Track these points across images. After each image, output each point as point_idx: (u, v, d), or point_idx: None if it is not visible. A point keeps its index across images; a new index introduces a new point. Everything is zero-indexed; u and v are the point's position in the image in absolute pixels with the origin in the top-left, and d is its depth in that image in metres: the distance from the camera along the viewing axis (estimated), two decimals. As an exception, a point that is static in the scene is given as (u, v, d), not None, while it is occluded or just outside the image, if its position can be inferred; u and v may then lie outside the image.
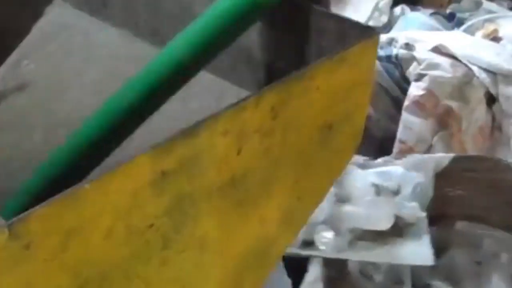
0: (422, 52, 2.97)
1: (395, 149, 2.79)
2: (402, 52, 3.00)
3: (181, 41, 1.21)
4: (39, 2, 1.65)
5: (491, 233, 2.32)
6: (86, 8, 1.62)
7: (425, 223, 2.23)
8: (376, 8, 3.75)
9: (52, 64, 1.60)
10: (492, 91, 2.92)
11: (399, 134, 2.84)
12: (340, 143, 1.19)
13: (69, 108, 1.53)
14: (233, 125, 0.97)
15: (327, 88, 1.09)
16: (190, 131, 0.92)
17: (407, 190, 2.23)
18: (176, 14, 1.48)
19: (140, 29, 1.54)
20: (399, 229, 2.16)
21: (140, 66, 1.52)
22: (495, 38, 3.27)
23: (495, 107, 2.95)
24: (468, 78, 2.90)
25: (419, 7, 3.82)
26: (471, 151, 2.88)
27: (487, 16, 3.49)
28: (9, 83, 1.59)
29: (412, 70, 2.94)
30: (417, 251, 2.13)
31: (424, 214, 2.25)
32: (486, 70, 2.93)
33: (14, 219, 0.76)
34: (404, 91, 2.92)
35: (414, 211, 2.22)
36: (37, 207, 0.78)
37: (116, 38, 1.57)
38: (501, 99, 2.91)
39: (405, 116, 2.85)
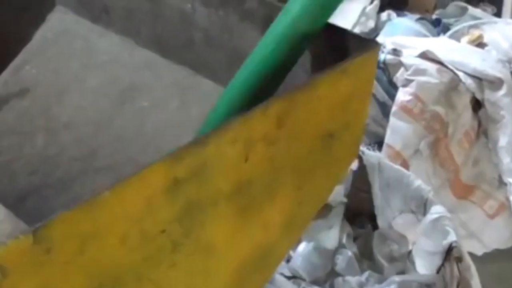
0: (409, 57, 3.01)
1: (383, 153, 2.83)
2: (389, 57, 3.03)
3: None
4: (40, 9, 1.67)
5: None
6: (87, 15, 1.64)
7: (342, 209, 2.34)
8: (362, 13, 3.79)
9: (54, 70, 1.62)
10: (478, 96, 2.97)
11: (387, 139, 2.88)
12: (341, 150, 1.23)
13: (70, 113, 1.55)
14: (241, 133, 1.00)
15: (329, 98, 1.12)
16: (200, 140, 0.96)
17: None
18: (177, 22, 1.51)
19: (141, 36, 1.57)
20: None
21: (141, 72, 1.56)
22: (480, 44, 3.32)
23: (481, 113, 2.99)
24: (454, 83, 2.94)
25: (406, 13, 3.86)
26: (457, 155, 2.93)
27: (472, 22, 3.54)
28: (11, 87, 1.61)
29: (399, 75, 2.98)
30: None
31: (345, 200, 2.35)
32: (472, 76, 2.98)
33: (37, 225, 0.80)
34: (392, 96, 2.96)
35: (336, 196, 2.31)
36: (58, 213, 0.82)
37: (117, 45, 1.59)
38: (487, 104, 2.96)
39: (393, 121, 2.89)
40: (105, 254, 0.90)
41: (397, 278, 2.12)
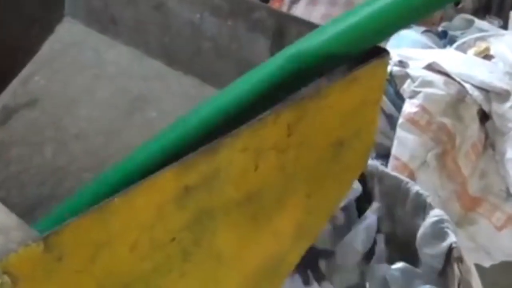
0: (415, 69, 3.01)
1: (390, 165, 2.82)
2: (396, 69, 3.02)
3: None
4: (49, 20, 1.68)
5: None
6: (95, 26, 1.65)
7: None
8: (369, 25, 3.78)
9: (62, 80, 1.63)
10: (485, 108, 2.96)
11: (394, 151, 2.87)
12: (351, 159, 1.23)
13: (79, 123, 1.56)
14: (251, 142, 1.00)
15: (339, 106, 1.12)
16: (211, 148, 0.95)
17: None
18: (186, 32, 1.51)
19: (149, 46, 1.57)
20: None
21: (150, 83, 1.56)
22: (487, 56, 3.31)
23: (488, 125, 2.98)
24: (461, 95, 2.93)
25: (411, 25, 3.85)
26: (464, 167, 2.92)
27: (479, 35, 3.53)
28: (20, 98, 1.62)
29: (406, 87, 2.97)
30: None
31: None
32: (479, 88, 2.97)
33: (49, 232, 0.79)
34: (398, 108, 2.96)
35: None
36: (70, 220, 0.81)
37: (126, 56, 1.60)
38: (494, 116, 2.95)
39: (399, 132, 2.88)
40: (116, 262, 0.90)
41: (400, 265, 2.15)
